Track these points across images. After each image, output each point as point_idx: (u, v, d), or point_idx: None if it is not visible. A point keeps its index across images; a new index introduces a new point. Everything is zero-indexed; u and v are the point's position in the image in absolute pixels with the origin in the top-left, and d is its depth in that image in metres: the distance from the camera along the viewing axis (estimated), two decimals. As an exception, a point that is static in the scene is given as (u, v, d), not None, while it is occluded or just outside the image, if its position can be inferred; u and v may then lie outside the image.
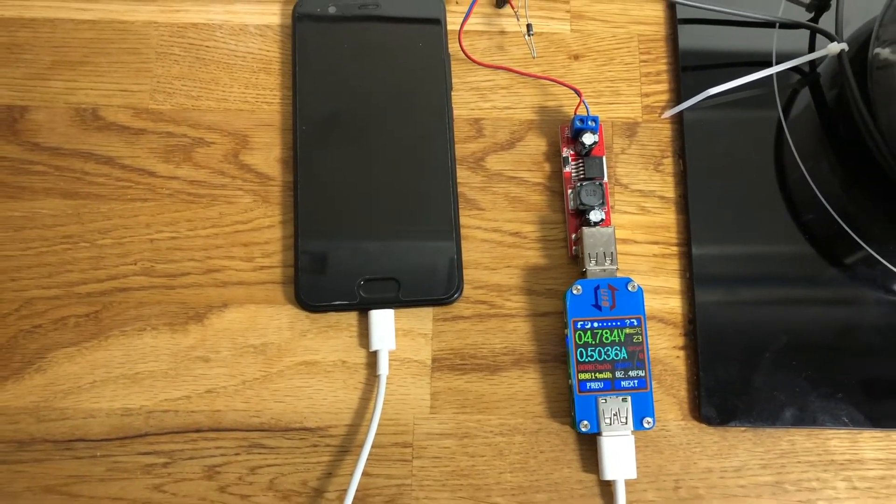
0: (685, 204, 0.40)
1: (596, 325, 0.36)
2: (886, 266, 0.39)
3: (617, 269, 0.37)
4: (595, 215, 0.38)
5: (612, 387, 0.36)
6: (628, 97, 0.42)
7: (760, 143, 0.41)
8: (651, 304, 0.39)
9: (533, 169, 0.41)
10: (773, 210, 0.40)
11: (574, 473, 0.37)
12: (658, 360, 0.38)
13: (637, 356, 0.36)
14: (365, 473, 0.36)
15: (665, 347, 0.38)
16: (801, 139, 0.41)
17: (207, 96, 0.42)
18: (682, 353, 0.38)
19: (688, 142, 0.41)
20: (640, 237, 0.40)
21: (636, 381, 0.36)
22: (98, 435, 0.37)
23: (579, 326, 0.36)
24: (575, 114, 0.40)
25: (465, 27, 0.42)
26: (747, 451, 0.37)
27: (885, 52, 0.39)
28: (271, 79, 0.42)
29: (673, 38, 0.43)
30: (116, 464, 0.36)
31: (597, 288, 0.37)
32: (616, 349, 0.36)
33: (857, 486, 0.37)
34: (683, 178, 0.40)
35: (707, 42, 0.43)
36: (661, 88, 0.42)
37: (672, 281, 0.39)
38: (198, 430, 0.37)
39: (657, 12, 0.43)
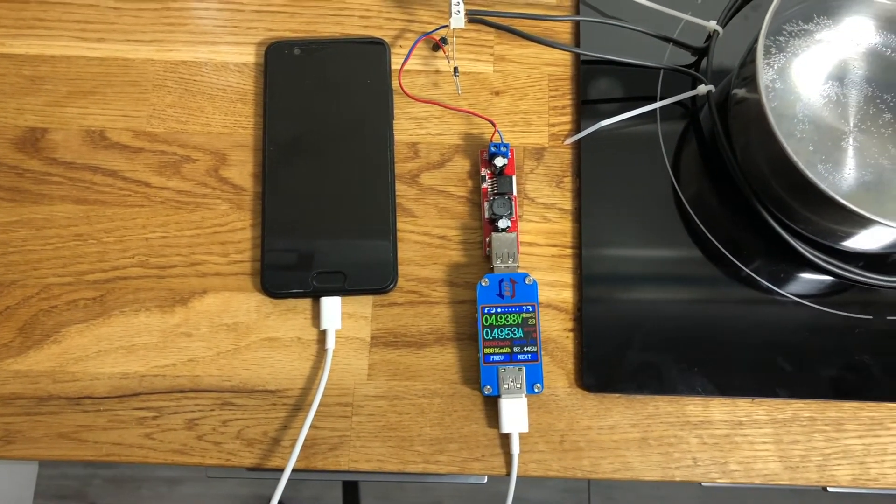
0: (579, 215, 0.49)
1: (499, 310, 0.46)
2: (740, 267, 0.48)
3: (518, 266, 0.47)
4: (503, 223, 0.48)
5: (510, 359, 0.45)
6: (538, 127, 0.51)
7: (644, 166, 0.50)
8: (548, 294, 0.48)
9: (458, 185, 0.50)
10: (650, 221, 0.49)
11: (480, 428, 0.46)
12: (551, 339, 0.48)
13: (531, 335, 0.46)
14: (313, 426, 0.46)
15: (558, 329, 0.48)
16: (677, 163, 0.50)
17: (194, 121, 0.51)
18: (571, 334, 0.48)
19: (583, 164, 0.50)
20: (542, 241, 0.49)
21: (530, 355, 0.45)
22: (101, 393, 0.46)
23: (486, 311, 0.46)
24: (491, 141, 0.49)
25: (406, 67, 0.52)
26: (620, 413, 0.46)
27: (740, 92, 0.48)
28: (247, 107, 0.51)
29: (577, 78, 0.52)
30: (116, 416, 0.46)
31: (501, 281, 0.46)
32: (514, 329, 0.46)
33: (706, 441, 0.46)
34: (578, 194, 0.50)
35: (605, 82, 0.52)
36: (565, 119, 0.52)
37: (566, 276, 0.49)
38: (181, 391, 0.46)
39: (565, 56, 0.53)
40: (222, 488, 1.19)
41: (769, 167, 0.46)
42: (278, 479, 0.43)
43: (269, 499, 0.43)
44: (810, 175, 0.42)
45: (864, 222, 0.42)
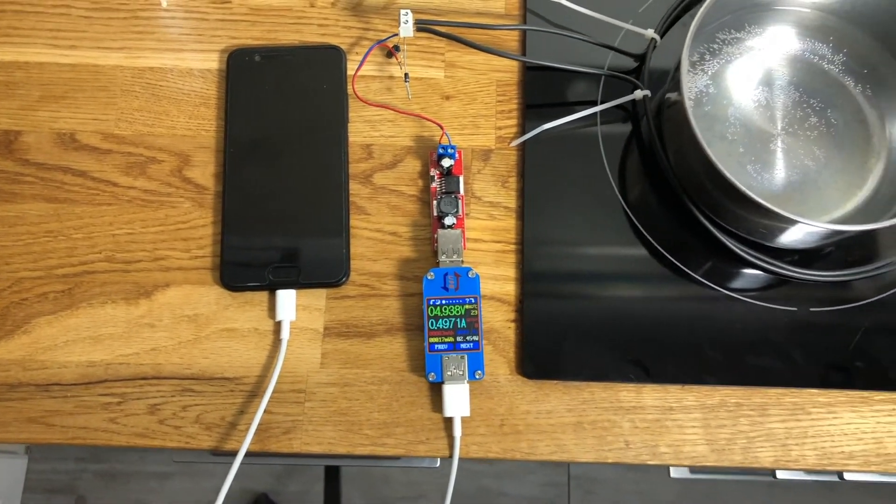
0: (523, 213, 0.52)
1: (444, 302, 0.49)
2: (675, 263, 0.51)
3: (462, 261, 0.50)
4: (448, 220, 0.50)
5: (453, 348, 0.48)
6: (486, 129, 0.54)
7: (585, 167, 0.53)
8: (492, 287, 0.51)
9: (409, 184, 0.53)
10: (590, 219, 0.52)
11: (425, 412, 0.49)
12: (494, 329, 0.50)
13: (473, 325, 0.48)
14: (268, 411, 0.48)
15: (500, 320, 0.51)
16: (617, 165, 0.53)
17: (160, 124, 0.54)
18: (513, 325, 0.51)
19: (527, 165, 0.53)
20: (487, 237, 0.52)
21: (472, 344, 0.48)
22: (69, 381, 0.49)
23: (431, 303, 0.49)
24: (439, 143, 0.52)
25: (361, 73, 0.55)
26: (557, 398, 0.49)
27: (672, 96, 0.51)
28: (210, 111, 0.54)
29: (523, 83, 0.55)
30: (82, 402, 0.49)
31: (446, 274, 0.49)
32: (458, 320, 0.48)
33: (638, 426, 0.49)
34: (522, 193, 0.53)
35: (549, 87, 0.55)
36: (511, 123, 0.55)
37: (509, 271, 0.52)
38: (144, 378, 0.49)
39: (513, 63, 0.56)
40: (210, 482, 1.22)
41: (699, 168, 0.49)
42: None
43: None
44: (729, 175, 0.44)
45: (781, 219, 0.45)
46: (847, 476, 0.63)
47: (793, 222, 0.45)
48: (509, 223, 0.53)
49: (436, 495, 1.24)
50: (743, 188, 0.44)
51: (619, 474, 1.27)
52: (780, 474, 0.74)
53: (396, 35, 0.52)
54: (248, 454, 0.47)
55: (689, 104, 0.46)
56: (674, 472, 0.90)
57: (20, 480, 1.23)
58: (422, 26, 0.52)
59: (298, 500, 1.21)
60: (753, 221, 0.49)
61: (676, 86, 0.47)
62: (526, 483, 1.26)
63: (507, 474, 1.26)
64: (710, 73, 0.53)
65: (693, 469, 0.89)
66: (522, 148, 0.54)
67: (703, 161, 0.46)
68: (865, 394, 0.50)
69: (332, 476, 1.24)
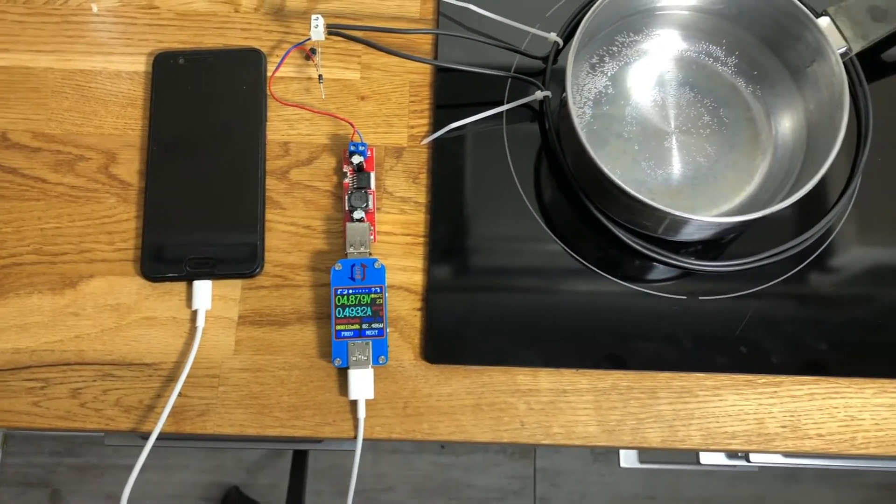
0: (431, 207, 0.55)
1: (350, 291, 0.52)
2: (571, 254, 0.54)
3: (370, 252, 0.53)
4: (357, 214, 0.53)
5: (359, 335, 0.51)
6: (398, 128, 0.57)
7: (490, 164, 0.56)
8: (400, 277, 0.54)
9: (324, 180, 0.56)
10: (493, 213, 0.55)
11: (333, 396, 0.52)
12: (401, 317, 0.53)
13: (378, 314, 0.51)
14: (183, 395, 0.51)
15: (408, 309, 0.53)
16: (520, 161, 0.56)
17: (88, 124, 0.57)
18: (419, 313, 0.53)
19: (435, 162, 0.56)
20: (398, 230, 0.55)
21: (377, 331, 0.51)
22: (-4, 366, 0.52)
23: (339, 293, 0.52)
24: (351, 140, 0.55)
25: (282, 74, 0.57)
26: (458, 382, 0.52)
27: (564, 97, 0.54)
28: (136, 111, 0.57)
29: (434, 84, 0.58)
30: (7, 387, 0.51)
31: (353, 265, 0.52)
32: (363, 308, 0.51)
33: (533, 407, 0.52)
34: (431, 189, 0.56)
35: (460, 88, 0.58)
36: (423, 122, 0.57)
37: (417, 262, 0.54)
38: (67, 364, 0.52)
39: (425, 65, 0.58)
40: (182, 475, 1.25)
41: (587, 164, 0.52)
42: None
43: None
44: (605, 168, 0.47)
45: (656, 211, 0.48)
46: (754, 459, 0.66)
47: (665, 213, 0.48)
48: (419, 217, 0.55)
49: (404, 487, 1.27)
50: (614, 177, 0.47)
51: (584, 466, 1.29)
52: (705, 458, 0.77)
53: (310, 38, 0.55)
54: (166, 435, 0.50)
55: (573, 105, 0.49)
56: (623, 462, 0.92)
57: (-6, 473, 1.26)
58: (333, 31, 0.54)
59: (269, 493, 1.24)
60: (637, 213, 0.52)
61: (560, 91, 0.50)
62: (492, 475, 1.29)
63: (474, 466, 1.29)
64: (609, 74, 0.56)
65: (643, 459, 0.92)
66: (433, 146, 0.57)
67: (584, 155, 0.48)
68: (749, 377, 0.53)
69: (298, 467, 1.26)
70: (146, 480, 1.23)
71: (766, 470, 1.22)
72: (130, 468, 0.49)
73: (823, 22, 0.52)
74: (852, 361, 0.52)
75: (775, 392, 0.52)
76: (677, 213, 0.47)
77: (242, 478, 1.24)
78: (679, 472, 1.29)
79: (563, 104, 0.52)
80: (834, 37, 0.51)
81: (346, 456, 1.27)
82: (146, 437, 0.51)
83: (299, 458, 1.25)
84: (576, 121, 0.48)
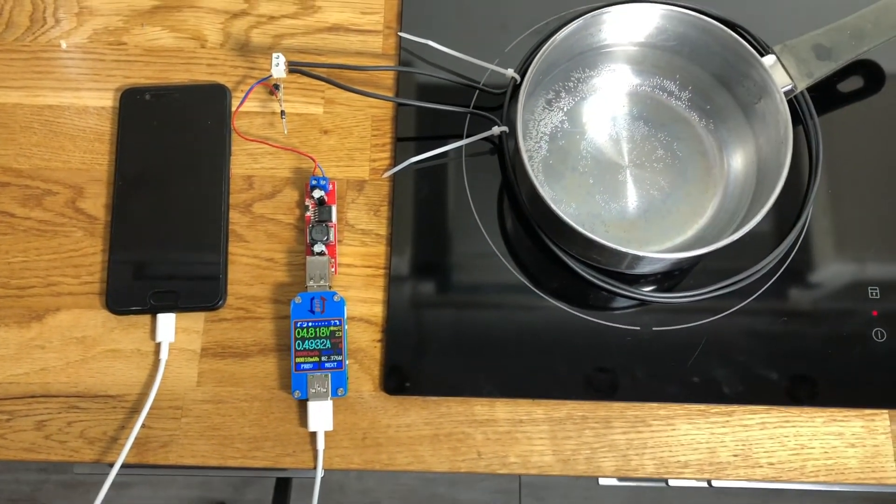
0: (391, 239, 0.56)
1: (310, 324, 0.53)
2: (527, 285, 0.55)
3: (330, 285, 0.54)
4: (318, 248, 0.54)
5: (318, 367, 0.52)
6: (360, 162, 0.58)
7: (450, 197, 0.57)
8: (361, 309, 0.55)
9: (287, 213, 0.57)
10: (452, 245, 0.56)
11: (293, 427, 0.53)
12: (361, 349, 0.54)
13: (337, 346, 0.52)
14: (146, 426, 0.52)
15: (367, 340, 0.55)
16: (479, 194, 0.57)
17: (56, 159, 0.58)
18: (378, 345, 0.55)
19: (396, 195, 0.57)
20: (358, 262, 0.56)
21: (335, 363, 0.52)
22: (-38, 399, 0.53)
23: (298, 325, 0.53)
24: (312, 174, 0.56)
25: (247, 109, 0.59)
26: (416, 412, 0.53)
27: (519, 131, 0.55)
28: (103, 146, 0.58)
29: (396, 119, 0.59)
30: (-26, 419, 0.52)
31: (313, 298, 0.53)
32: (323, 341, 0.52)
33: (490, 437, 0.53)
34: (392, 222, 0.57)
35: (421, 123, 0.59)
36: (384, 156, 0.59)
37: (378, 294, 0.56)
38: (32, 396, 0.53)
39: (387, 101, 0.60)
40: (169, 490, 1.25)
41: (539, 200, 0.53)
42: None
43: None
44: (550, 202, 0.49)
45: (607, 247, 0.49)
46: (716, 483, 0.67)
47: (613, 249, 0.49)
48: (380, 249, 0.57)
49: (390, 501, 1.28)
50: (564, 216, 0.48)
51: (569, 482, 1.30)
52: (672, 482, 0.78)
53: (272, 75, 0.56)
54: (129, 465, 0.51)
55: (523, 147, 0.50)
56: (602, 480, 0.93)
57: (-19, 492, 1.26)
58: (294, 68, 0.56)
59: (255, 509, 1.25)
60: (589, 247, 0.52)
61: (513, 125, 0.51)
62: (478, 490, 1.29)
63: (460, 481, 1.30)
64: (565, 109, 0.57)
65: (621, 479, 0.93)
66: (394, 179, 0.58)
67: (533, 189, 0.50)
68: (702, 406, 0.54)
69: (282, 485, 1.27)
70: (134, 496, 1.24)
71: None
72: (116, 484, 0.50)
73: (769, 60, 0.53)
74: (802, 391, 0.53)
75: (727, 421, 0.53)
76: (623, 248, 0.48)
77: (229, 493, 1.24)
78: (662, 488, 1.30)
79: (516, 144, 0.54)
80: (779, 75, 0.53)
81: (330, 474, 1.29)
82: (112, 466, 0.52)
83: (282, 479, 1.26)
84: (526, 159, 0.49)
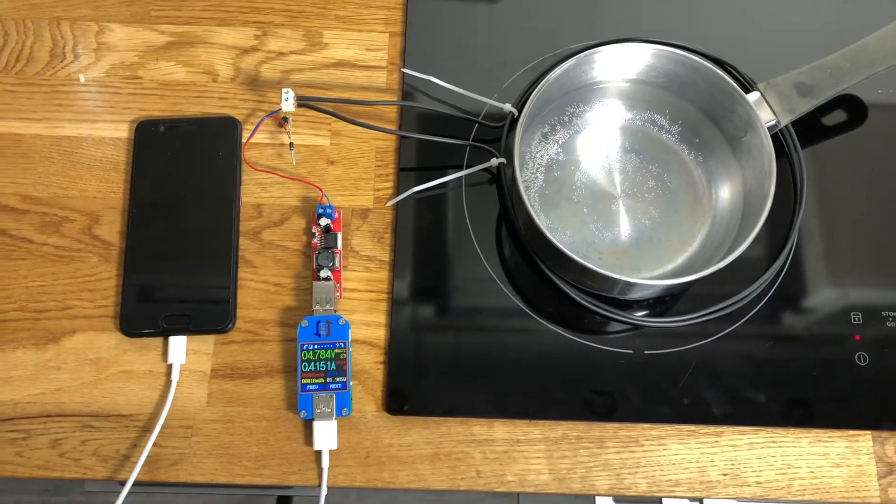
0: (394, 265, 0.59)
1: (316, 346, 0.55)
2: (524, 309, 0.58)
3: (335, 309, 0.56)
4: (324, 273, 0.57)
5: (323, 388, 0.54)
6: (365, 191, 0.61)
7: (450, 224, 0.60)
8: (364, 332, 0.57)
9: (294, 240, 0.60)
10: (453, 271, 0.59)
11: (299, 446, 0.55)
12: (364, 370, 0.57)
13: (342, 368, 0.55)
14: (157, 445, 0.54)
15: (371, 362, 0.57)
16: (478, 222, 0.60)
17: (73, 188, 0.60)
18: (381, 367, 0.57)
19: (399, 223, 0.60)
20: (362, 287, 0.59)
21: (340, 384, 0.54)
22: (-20, 418, 0.55)
23: (305, 348, 0.55)
24: (319, 203, 0.59)
25: (257, 140, 0.61)
26: (417, 432, 0.55)
27: (516, 163, 0.58)
28: (119, 175, 0.61)
29: (399, 150, 0.62)
30: (-9, 437, 0.54)
31: (319, 322, 0.55)
32: (328, 363, 0.55)
33: (488, 456, 0.55)
34: (395, 248, 0.59)
35: (423, 154, 0.62)
36: (388, 185, 0.61)
37: (381, 317, 0.58)
38: (48, 416, 0.55)
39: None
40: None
41: (535, 229, 0.55)
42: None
43: None
44: (546, 231, 0.51)
45: (600, 273, 0.51)
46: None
47: (605, 276, 0.51)
48: (383, 275, 0.59)
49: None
50: (559, 244, 0.51)
51: (567, 501, 1.31)
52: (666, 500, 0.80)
53: (282, 109, 0.59)
54: (141, 483, 0.53)
55: (520, 173, 0.53)
56: (598, 499, 0.95)
57: (-20, 514, 1.27)
58: (303, 103, 0.59)
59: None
60: (583, 273, 0.54)
61: (510, 156, 0.54)
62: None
63: (458, 502, 1.31)
64: (560, 142, 0.60)
65: (616, 498, 0.95)
66: (397, 208, 0.60)
67: (533, 221, 0.52)
68: (692, 427, 0.56)
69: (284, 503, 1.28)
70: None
71: None
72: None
73: (753, 97, 0.56)
74: (789, 413, 0.56)
75: (717, 441, 0.55)
76: (616, 275, 0.50)
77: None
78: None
79: (514, 175, 0.56)
80: (763, 111, 0.56)
81: (331, 494, 1.30)
82: (124, 483, 0.54)
83: (284, 498, 1.27)
84: (523, 190, 0.52)
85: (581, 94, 0.60)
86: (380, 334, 0.58)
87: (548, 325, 0.57)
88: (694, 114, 0.60)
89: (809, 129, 0.62)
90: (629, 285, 0.53)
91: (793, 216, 0.60)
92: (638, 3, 0.67)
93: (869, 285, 0.59)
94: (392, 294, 0.58)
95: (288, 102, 0.57)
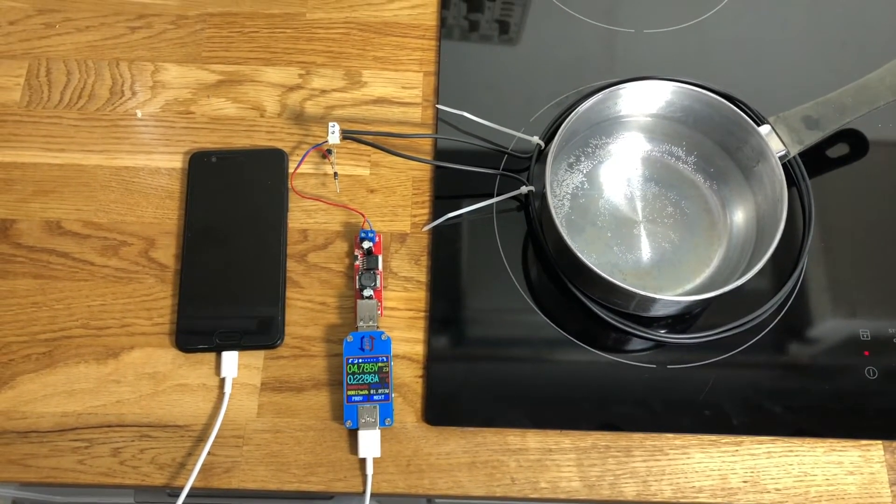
0: (431, 286, 0.63)
1: (360, 360, 0.59)
2: (554, 328, 0.62)
3: (378, 326, 0.60)
4: (367, 292, 0.61)
5: (368, 399, 0.58)
6: (402, 217, 0.66)
7: (482, 247, 0.64)
8: (404, 348, 0.61)
9: (338, 262, 0.64)
10: (486, 291, 0.63)
11: (344, 455, 0.58)
12: (405, 384, 0.60)
13: (384, 380, 0.58)
14: (211, 454, 0.58)
15: (410, 376, 0.61)
16: (509, 245, 0.64)
17: (131, 214, 0.65)
18: (420, 380, 0.61)
19: (434, 246, 0.64)
20: (402, 306, 0.63)
21: (383, 396, 0.58)
22: (45, 428, 0.58)
23: (350, 362, 0.59)
24: (361, 228, 0.63)
25: (301, 171, 0.66)
26: (455, 442, 0.59)
27: (547, 191, 0.63)
28: (173, 203, 0.65)
29: (434, 179, 0.67)
30: (55, 447, 0.58)
31: (363, 337, 0.59)
32: (371, 376, 0.58)
33: (522, 465, 0.58)
34: (431, 270, 0.64)
35: (456, 182, 0.66)
36: (424, 211, 0.66)
37: (419, 334, 0.62)
38: (109, 426, 0.59)
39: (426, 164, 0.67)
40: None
41: (564, 250, 0.60)
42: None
43: None
44: (578, 252, 0.55)
45: (627, 291, 0.55)
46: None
47: (632, 293, 0.55)
48: (420, 294, 0.63)
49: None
50: (589, 263, 0.55)
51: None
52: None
53: (328, 141, 0.64)
54: (196, 491, 0.56)
55: (552, 201, 0.57)
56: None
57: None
58: (347, 135, 0.63)
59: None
60: (610, 291, 0.59)
61: (542, 186, 0.59)
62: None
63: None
64: (584, 171, 0.65)
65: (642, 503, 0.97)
66: (433, 232, 0.65)
67: (562, 243, 0.57)
68: (713, 437, 0.59)
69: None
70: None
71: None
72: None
73: (765, 129, 0.61)
74: (805, 423, 0.59)
75: (737, 450, 0.59)
76: (641, 292, 0.54)
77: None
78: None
79: (544, 200, 0.61)
80: (774, 142, 0.60)
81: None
82: (174, 493, 0.57)
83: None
84: (554, 215, 0.56)
85: (604, 127, 0.65)
86: (418, 350, 0.61)
87: (577, 341, 0.61)
88: (709, 145, 0.64)
89: (815, 160, 0.67)
90: (653, 301, 0.57)
91: (802, 240, 0.64)
92: (652, 43, 0.72)
93: (875, 303, 0.63)
94: (429, 312, 0.62)
95: (334, 135, 0.62)
